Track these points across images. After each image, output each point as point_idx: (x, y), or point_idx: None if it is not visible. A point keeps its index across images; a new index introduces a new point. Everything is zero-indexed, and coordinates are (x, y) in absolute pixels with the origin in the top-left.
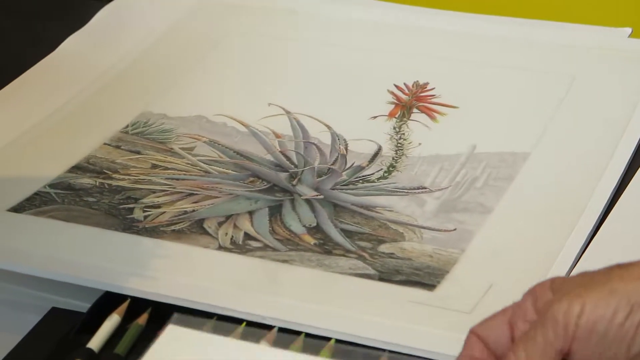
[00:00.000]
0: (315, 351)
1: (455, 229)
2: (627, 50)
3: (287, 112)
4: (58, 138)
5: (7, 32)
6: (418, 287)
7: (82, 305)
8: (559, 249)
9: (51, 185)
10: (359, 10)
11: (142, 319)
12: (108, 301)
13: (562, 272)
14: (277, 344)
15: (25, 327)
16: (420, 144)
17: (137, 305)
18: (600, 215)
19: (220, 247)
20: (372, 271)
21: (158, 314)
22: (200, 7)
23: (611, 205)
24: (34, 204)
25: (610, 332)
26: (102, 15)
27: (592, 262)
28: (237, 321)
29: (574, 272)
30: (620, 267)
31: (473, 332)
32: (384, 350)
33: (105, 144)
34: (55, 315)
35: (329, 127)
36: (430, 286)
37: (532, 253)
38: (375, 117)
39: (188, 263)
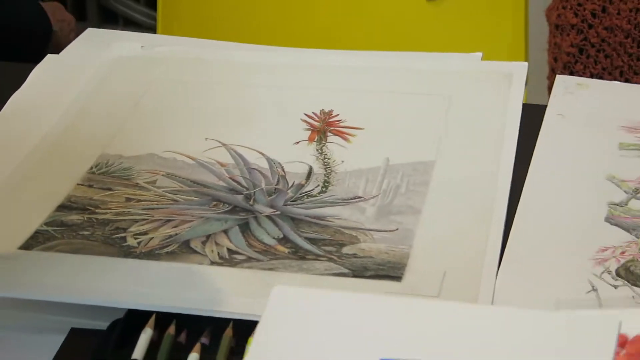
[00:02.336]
0: None
1: (397, 229)
2: (484, 70)
3: (224, 144)
4: (36, 183)
5: None
6: (387, 279)
7: (100, 325)
8: (485, 236)
9: (47, 224)
10: (261, 55)
11: (172, 329)
12: (130, 318)
13: (495, 255)
14: None
15: (48, 347)
16: (343, 161)
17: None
18: (506, 205)
19: (213, 263)
20: (345, 270)
21: (181, 325)
22: (121, 62)
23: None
24: (39, 241)
25: None
26: (36, 76)
27: (518, 240)
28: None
29: (506, 254)
30: None
31: None
32: None
33: (78, 184)
34: (76, 335)
35: (262, 154)
36: (397, 278)
37: (466, 242)
38: (298, 142)
39: (192, 279)
